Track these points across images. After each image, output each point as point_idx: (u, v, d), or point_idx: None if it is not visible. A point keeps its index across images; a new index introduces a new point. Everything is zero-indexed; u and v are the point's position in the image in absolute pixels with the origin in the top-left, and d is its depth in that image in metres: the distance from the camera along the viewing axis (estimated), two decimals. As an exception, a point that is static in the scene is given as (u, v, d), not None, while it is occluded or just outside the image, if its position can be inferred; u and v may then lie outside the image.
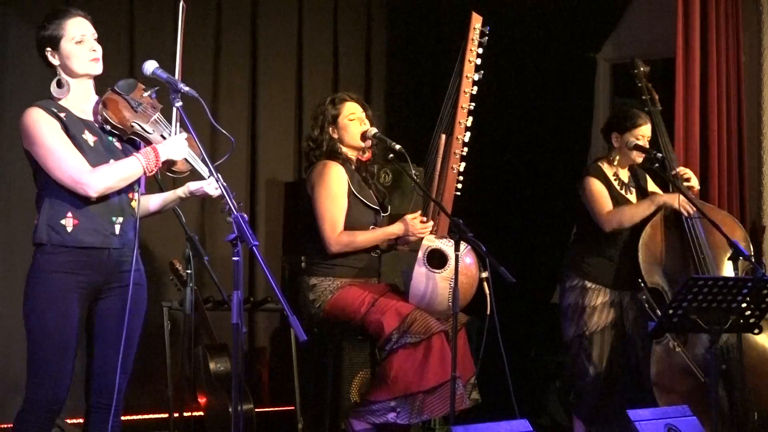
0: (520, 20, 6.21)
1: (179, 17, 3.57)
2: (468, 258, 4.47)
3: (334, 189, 4.51)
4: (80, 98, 3.46)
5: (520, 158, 6.38)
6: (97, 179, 3.33)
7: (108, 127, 3.43)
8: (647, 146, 4.83)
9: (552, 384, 5.88)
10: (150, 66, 3.38)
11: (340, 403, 5.06)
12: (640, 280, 4.69)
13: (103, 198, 3.38)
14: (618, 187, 4.84)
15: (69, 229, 3.34)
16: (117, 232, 3.42)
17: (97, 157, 3.38)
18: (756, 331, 4.19)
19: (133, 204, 3.48)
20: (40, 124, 3.33)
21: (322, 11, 6.26)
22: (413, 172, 4.61)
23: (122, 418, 3.56)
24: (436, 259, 4.47)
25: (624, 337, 4.81)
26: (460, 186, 4.67)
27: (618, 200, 4.80)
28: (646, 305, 4.66)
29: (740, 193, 5.51)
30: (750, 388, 4.48)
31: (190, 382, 4.88)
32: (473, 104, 4.68)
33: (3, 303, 4.89)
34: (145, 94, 3.50)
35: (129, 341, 3.43)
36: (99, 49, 3.46)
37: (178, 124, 3.48)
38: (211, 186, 3.46)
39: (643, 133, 4.81)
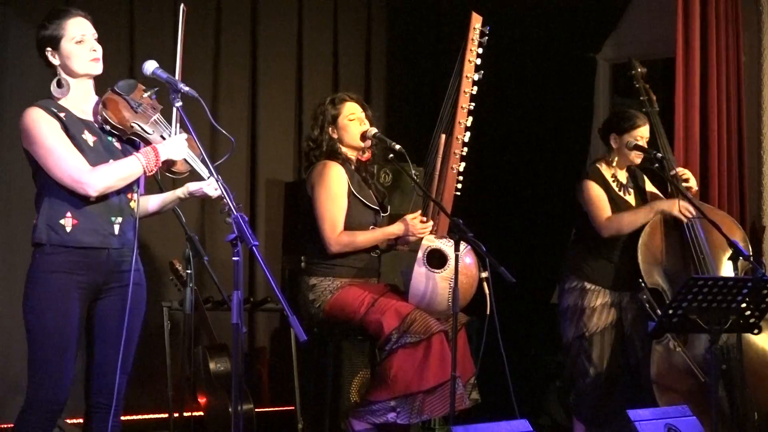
0: (520, 20, 6.21)
1: (180, 20, 3.56)
2: (468, 258, 4.47)
3: (334, 189, 4.51)
4: (80, 98, 3.46)
5: (520, 158, 6.38)
6: (96, 178, 3.33)
7: (108, 128, 3.43)
8: (646, 147, 4.83)
9: (552, 384, 5.88)
10: (150, 66, 3.38)
11: (340, 403, 5.06)
12: (640, 280, 4.69)
13: (103, 198, 3.38)
14: (616, 189, 4.84)
15: (68, 229, 3.34)
16: (116, 232, 3.42)
17: (96, 157, 3.38)
18: (755, 331, 4.19)
19: (132, 204, 3.48)
20: (40, 123, 3.33)
21: (322, 11, 6.27)
22: (413, 172, 4.61)
23: (122, 418, 3.56)
24: (436, 259, 4.47)
25: (623, 337, 4.81)
26: (460, 186, 4.67)
27: (616, 202, 4.80)
28: (647, 305, 4.66)
29: (740, 193, 5.51)
30: (750, 388, 4.48)
31: (190, 382, 4.88)
32: (473, 104, 4.68)
33: (3, 303, 4.89)
34: (145, 95, 3.50)
35: (129, 341, 3.43)
36: (99, 49, 3.46)
37: (178, 124, 3.49)
38: (211, 187, 3.46)
39: (642, 134, 4.81)
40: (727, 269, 4.68)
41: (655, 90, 5.06)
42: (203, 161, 3.41)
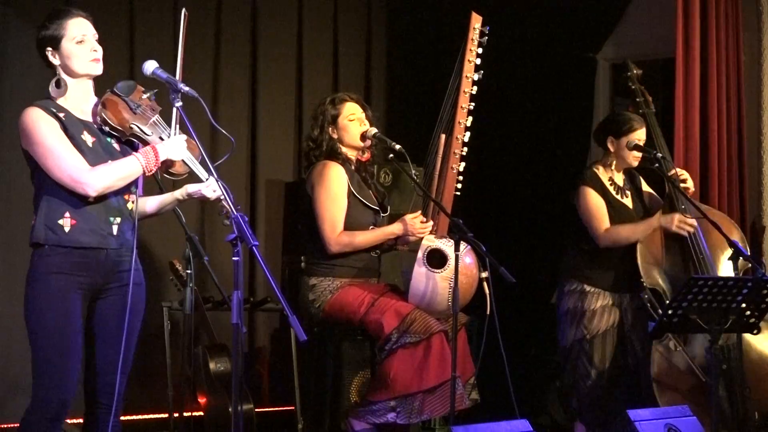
0: (520, 20, 6.21)
1: (181, 25, 3.56)
2: (468, 258, 4.47)
3: (334, 189, 4.51)
4: (80, 99, 3.46)
5: (520, 158, 6.38)
6: (96, 178, 3.33)
7: (106, 129, 3.43)
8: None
9: (552, 384, 5.87)
10: (150, 66, 3.38)
11: (340, 403, 5.05)
12: (642, 280, 4.69)
13: (101, 198, 3.38)
14: (614, 193, 4.83)
15: (67, 230, 3.34)
16: (114, 232, 3.42)
17: (95, 157, 3.38)
18: (755, 331, 4.20)
19: (129, 206, 3.48)
20: (40, 123, 3.33)
21: (322, 11, 6.27)
22: (413, 172, 4.61)
23: (122, 418, 3.56)
24: (436, 259, 4.47)
25: (623, 338, 4.80)
26: (460, 186, 4.67)
27: (614, 206, 4.79)
28: (648, 305, 4.66)
29: (740, 193, 5.51)
30: (750, 388, 4.48)
31: (190, 382, 4.88)
32: (473, 104, 4.68)
33: (3, 303, 4.89)
34: (144, 96, 3.50)
35: (128, 341, 3.43)
36: (100, 49, 3.46)
37: (178, 125, 3.49)
38: (209, 189, 3.46)
39: (639, 137, 4.80)
40: (726, 269, 4.69)
41: (655, 90, 5.06)
42: (203, 162, 3.41)
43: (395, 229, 4.55)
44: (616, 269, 4.77)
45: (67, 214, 3.35)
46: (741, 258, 4.35)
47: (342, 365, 5.10)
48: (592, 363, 4.73)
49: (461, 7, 4.93)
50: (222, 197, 3.35)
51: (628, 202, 4.87)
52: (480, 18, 4.72)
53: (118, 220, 3.43)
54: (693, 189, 4.90)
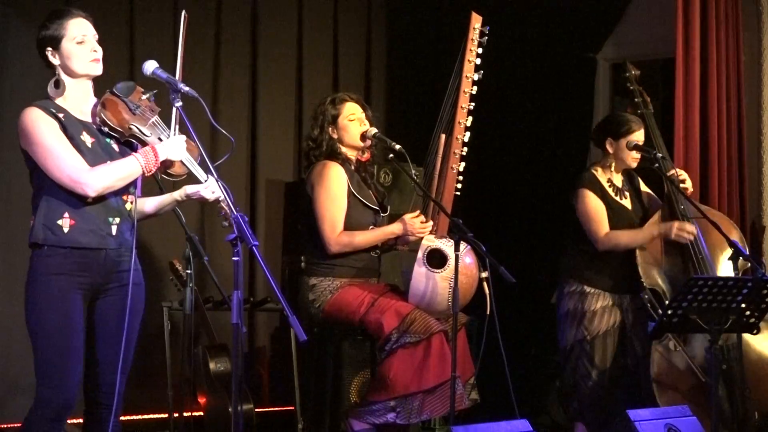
0: (520, 20, 6.21)
1: (181, 27, 3.56)
2: (468, 258, 4.47)
3: (334, 189, 4.51)
4: (79, 99, 3.46)
5: (520, 158, 6.38)
6: (95, 178, 3.33)
7: (106, 129, 3.43)
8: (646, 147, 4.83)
9: (552, 384, 5.87)
10: (150, 66, 3.38)
11: (340, 403, 5.05)
12: (641, 281, 4.69)
13: (100, 199, 3.38)
14: (612, 194, 4.83)
15: (65, 230, 3.34)
16: (114, 233, 3.42)
17: (94, 158, 3.38)
18: (754, 331, 4.20)
19: (128, 206, 3.48)
20: (39, 123, 3.33)
21: (322, 11, 6.27)
22: (413, 172, 4.61)
23: (122, 418, 3.56)
24: (436, 259, 4.47)
25: (625, 338, 4.80)
26: (459, 186, 4.67)
27: (612, 207, 4.79)
28: (648, 305, 4.66)
29: (740, 193, 5.51)
30: (750, 388, 4.48)
31: (190, 382, 4.88)
32: (473, 104, 4.68)
33: (3, 303, 4.89)
34: (144, 97, 3.50)
35: (128, 341, 3.43)
36: (100, 50, 3.46)
37: (177, 125, 3.49)
38: (208, 190, 3.46)
39: (638, 138, 4.80)
40: (725, 269, 4.69)
41: (655, 90, 5.07)
42: (202, 163, 3.41)
43: (395, 228, 4.55)
44: (615, 270, 4.77)
45: (67, 215, 3.35)
46: (741, 258, 4.35)
47: (342, 365, 5.10)
48: (593, 364, 4.73)
49: (461, 7, 4.93)
50: (221, 198, 3.36)
51: (626, 203, 4.87)
52: (480, 18, 4.72)
53: (117, 220, 3.43)
54: (692, 189, 4.89)
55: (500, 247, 4.74)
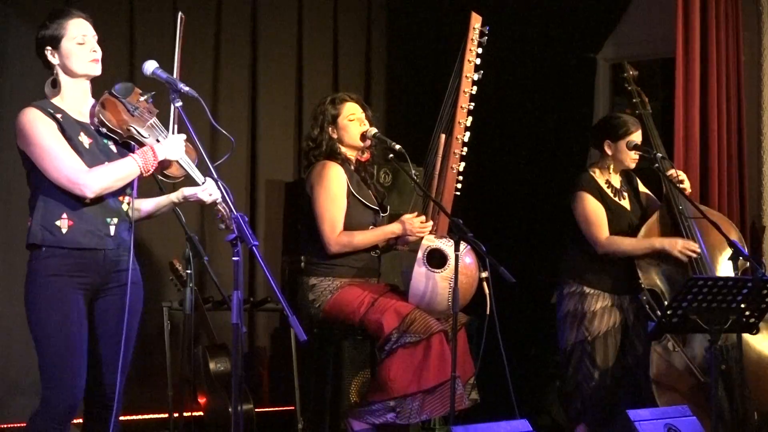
0: (520, 20, 6.21)
1: (178, 28, 3.56)
2: (468, 258, 4.47)
3: (334, 189, 4.51)
4: (77, 100, 3.46)
5: (520, 158, 6.38)
6: (93, 179, 3.33)
7: (104, 130, 3.43)
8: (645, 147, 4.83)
9: (552, 384, 5.87)
10: (150, 66, 3.39)
11: (340, 403, 5.06)
12: (640, 281, 4.69)
13: (98, 199, 3.38)
14: (611, 195, 4.83)
15: (64, 231, 3.34)
16: (112, 233, 3.42)
17: (92, 159, 3.38)
18: (754, 331, 4.19)
19: (125, 206, 3.48)
20: (37, 124, 3.34)
21: (322, 11, 6.27)
22: (413, 172, 4.61)
23: (122, 418, 3.56)
24: (436, 259, 4.47)
25: (626, 338, 4.80)
26: (459, 186, 4.67)
27: (611, 208, 4.78)
28: (647, 306, 4.66)
29: (740, 193, 5.51)
30: (749, 388, 4.48)
31: (190, 382, 4.88)
32: (473, 104, 4.68)
33: (3, 303, 4.89)
34: (142, 99, 3.50)
35: (127, 340, 3.43)
36: (99, 50, 3.46)
37: (176, 125, 3.49)
38: (205, 192, 3.47)
39: (635, 139, 4.80)
40: (724, 269, 4.69)
41: (654, 90, 5.07)
42: (201, 164, 3.41)
43: (395, 228, 4.55)
44: (615, 271, 4.76)
45: (65, 215, 3.35)
46: (741, 258, 4.35)
47: (342, 365, 5.11)
48: (594, 364, 4.73)
49: (461, 7, 4.93)
50: (218, 201, 3.37)
51: (625, 203, 4.87)
52: (480, 18, 4.72)
53: (115, 220, 3.43)
54: (690, 190, 4.89)
55: (500, 247, 4.74)
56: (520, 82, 6.34)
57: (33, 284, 3.35)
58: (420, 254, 4.46)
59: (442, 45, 6.30)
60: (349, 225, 4.54)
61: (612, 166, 4.86)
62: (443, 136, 4.64)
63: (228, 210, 3.38)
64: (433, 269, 4.44)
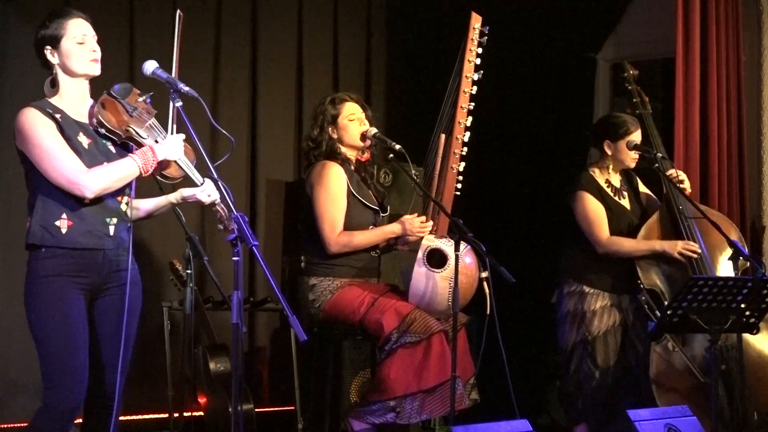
0: (520, 20, 6.21)
1: (176, 26, 3.56)
2: (468, 258, 4.47)
3: (333, 189, 4.51)
4: (76, 100, 3.46)
5: (520, 158, 6.38)
6: (93, 180, 3.33)
7: (102, 131, 3.43)
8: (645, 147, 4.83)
9: (552, 384, 5.87)
10: (150, 66, 3.39)
11: (340, 403, 5.05)
12: (639, 281, 4.69)
13: (98, 199, 3.38)
14: (611, 194, 4.83)
15: (63, 231, 3.34)
16: (111, 233, 3.42)
17: (91, 159, 3.38)
18: (754, 331, 4.19)
19: (123, 207, 3.48)
20: (36, 124, 3.34)
21: (322, 11, 6.27)
22: (413, 172, 4.61)
23: (122, 418, 3.56)
24: (436, 259, 4.47)
25: (626, 338, 4.80)
26: (459, 186, 4.67)
27: (611, 207, 4.79)
28: (646, 306, 4.66)
29: (740, 193, 5.51)
30: (749, 388, 4.48)
31: (190, 382, 4.88)
32: (473, 104, 4.68)
33: (3, 303, 4.89)
34: (140, 99, 3.50)
35: (126, 340, 3.43)
36: (99, 50, 3.47)
37: (175, 125, 3.49)
38: (204, 193, 3.47)
39: (635, 139, 4.80)
40: (724, 269, 4.69)
41: (655, 90, 5.07)
42: (202, 163, 3.41)
43: (395, 228, 4.55)
44: (615, 270, 4.77)
45: (64, 216, 3.35)
46: (741, 258, 4.35)
47: (342, 365, 5.10)
48: (595, 364, 4.73)
49: (461, 7, 4.93)
50: (216, 201, 3.37)
51: (625, 203, 4.87)
52: (480, 18, 4.72)
53: (115, 220, 3.44)
54: (690, 190, 4.89)
55: (500, 247, 4.74)
56: (520, 82, 6.34)
57: (33, 285, 3.35)
58: (420, 254, 4.46)
59: (442, 45, 6.29)
60: (349, 225, 4.54)
61: (612, 166, 4.86)
62: (443, 136, 4.64)
63: (227, 210, 3.39)
64: (433, 269, 4.44)
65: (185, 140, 3.48)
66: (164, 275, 5.16)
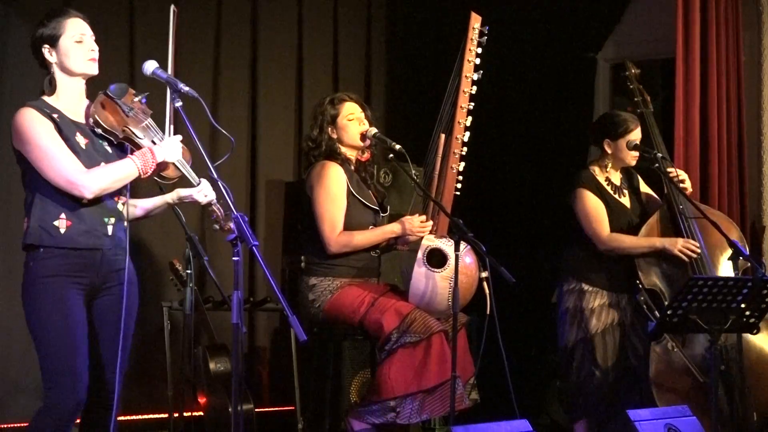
0: (520, 20, 6.21)
1: (170, 22, 3.57)
2: (468, 258, 4.47)
3: (333, 189, 4.51)
4: (73, 100, 3.46)
5: (519, 158, 6.38)
6: (92, 180, 3.33)
7: (99, 131, 3.43)
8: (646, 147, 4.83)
9: (552, 384, 5.87)
10: (150, 66, 3.39)
11: (340, 403, 5.06)
12: (637, 281, 4.69)
13: (96, 199, 3.37)
14: (611, 192, 4.83)
15: (62, 231, 3.34)
16: (109, 233, 3.42)
17: (89, 159, 3.38)
18: (754, 331, 4.19)
19: (120, 207, 3.48)
20: (34, 124, 3.33)
21: (322, 11, 6.27)
22: (413, 172, 4.61)
23: (122, 417, 3.56)
24: (436, 259, 4.47)
25: (625, 337, 4.80)
26: (459, 186, 4.67)
27: (611, 206, 4.79)
28: (644, 306, 4.66)
29: (740, 193, 5.51)
30: (749, 388, 4.47)
31: (190, 382, 4.88)
32: (473, 104, 4.68)
33: (3, 303, 4.89)
34: (136, 99, 3.50)
35: (125, 340, 3.43)
36: (97, 49, 3.47)
37: (172, 126, 3.48)
38: (201, 193, 3.48)
39: (635, 137, 4.80)
40: (724, 269, 4.69)
41: (655, 90, 5.06)
42: (202, 163, 3.41)
43: (395, 228, 4.55)
44: (614, 268, 4.77)
45: (63, 216, 3.35)
46: (741, 258, 4.35)
47: (342, 365, 5.11)
48: (596, 362, 4.73)
49: (461, 7, 4.93)
50: (213, 202, 3.37)
51: (625, 201, 4.87)
52: (479, 18, 4.72)
53: (113, 220, 3.44)
54: (691, 189, 4.89)
55: (500, 247, 4.74)
56: (520, 82, 6.34)
57: (32, 285, 3.35)
58: (420, 254, 4.46)
59: (442, 45, 6.30)
60: (349, 225, 4.54)
61: (612, 164, 4.86)
62: (443, 136, 4.64)
63: (223, 210, 3.40)
64: (433, 269, 4.44)
65: (181, 141, 3.48)
66: (164, 275, 5.16)
